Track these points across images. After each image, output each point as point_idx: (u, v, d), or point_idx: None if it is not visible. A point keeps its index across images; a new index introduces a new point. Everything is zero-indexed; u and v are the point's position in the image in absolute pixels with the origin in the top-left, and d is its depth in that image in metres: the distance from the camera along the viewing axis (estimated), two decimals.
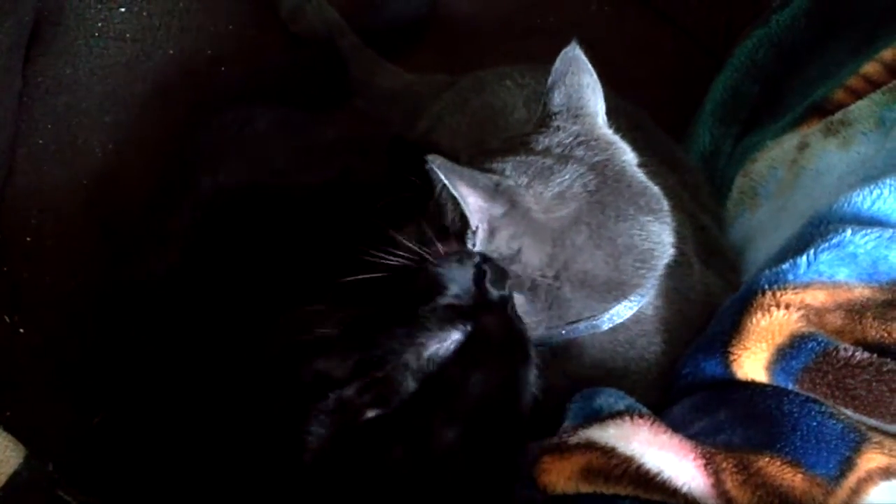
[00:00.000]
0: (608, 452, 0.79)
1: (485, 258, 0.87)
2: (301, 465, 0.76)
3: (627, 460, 0.78)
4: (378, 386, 0.76)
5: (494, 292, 0.84)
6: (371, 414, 0.75)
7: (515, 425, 0.84)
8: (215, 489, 0.94)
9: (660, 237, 0.92)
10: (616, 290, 0.90)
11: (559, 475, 0.79)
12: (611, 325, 0.92)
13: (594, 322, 0.91)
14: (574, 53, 0.96)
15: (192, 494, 0.95)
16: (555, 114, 0.95)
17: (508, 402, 0.82)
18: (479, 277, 0.84)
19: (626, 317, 0.92)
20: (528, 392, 0.84)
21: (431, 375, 0.78)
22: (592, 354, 0.94)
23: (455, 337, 0.80)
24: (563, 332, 0.92)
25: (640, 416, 0.82)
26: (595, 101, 0.96)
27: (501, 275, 0.86)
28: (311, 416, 0.75)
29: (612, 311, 0.91)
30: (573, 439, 0.82)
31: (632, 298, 0.91)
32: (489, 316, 0.83)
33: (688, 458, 0.78)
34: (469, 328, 0.80)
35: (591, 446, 0.80)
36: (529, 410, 0.84)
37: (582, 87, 0.95)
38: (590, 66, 0.97)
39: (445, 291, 0.82)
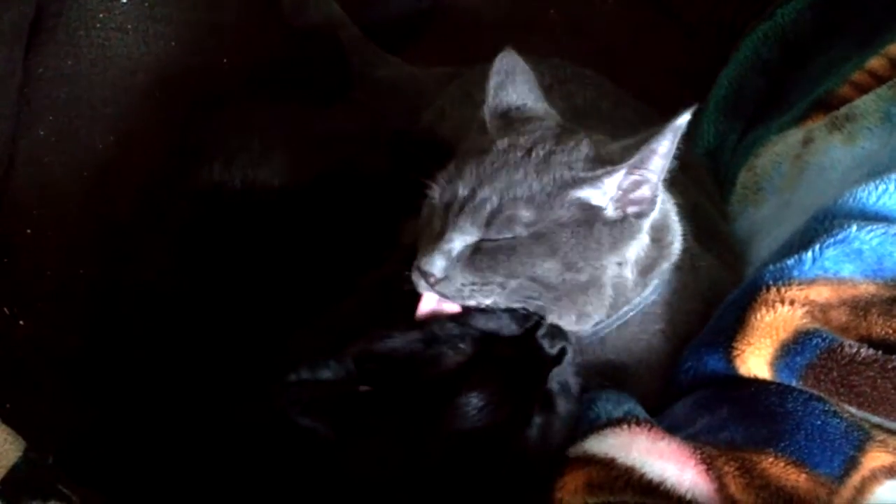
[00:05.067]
0: (608, 464, 0.78)
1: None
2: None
3: (629, 471, 0.77)
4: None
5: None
6: None
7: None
8: (213, 483, 0.94)
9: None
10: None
11: (564, 491, 0.79)
12: (653, 299, 0.93)
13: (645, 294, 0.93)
14: (510, 56, 0.97)
15: (191, 487, 0.95)
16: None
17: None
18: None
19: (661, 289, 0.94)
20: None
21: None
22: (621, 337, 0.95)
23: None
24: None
25: (638, 422, 0.82)
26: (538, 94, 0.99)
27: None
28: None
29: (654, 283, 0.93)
30: (573, 453, 0.81)
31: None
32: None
33: (689, 465, 0.78)
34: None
35: (590, 459, 0.79)
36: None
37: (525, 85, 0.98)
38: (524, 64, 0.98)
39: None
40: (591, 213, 0.87)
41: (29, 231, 1.32)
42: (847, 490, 0.75)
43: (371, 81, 1.43)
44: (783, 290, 0.85)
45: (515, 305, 0.87)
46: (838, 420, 0.79)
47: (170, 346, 1.04)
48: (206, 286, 1.06)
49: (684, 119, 0.84)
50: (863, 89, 1.14)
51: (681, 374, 0.93)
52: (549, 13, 1.60)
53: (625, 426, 0.81)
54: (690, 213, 1.04)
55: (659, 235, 0.92)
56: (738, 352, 0.85)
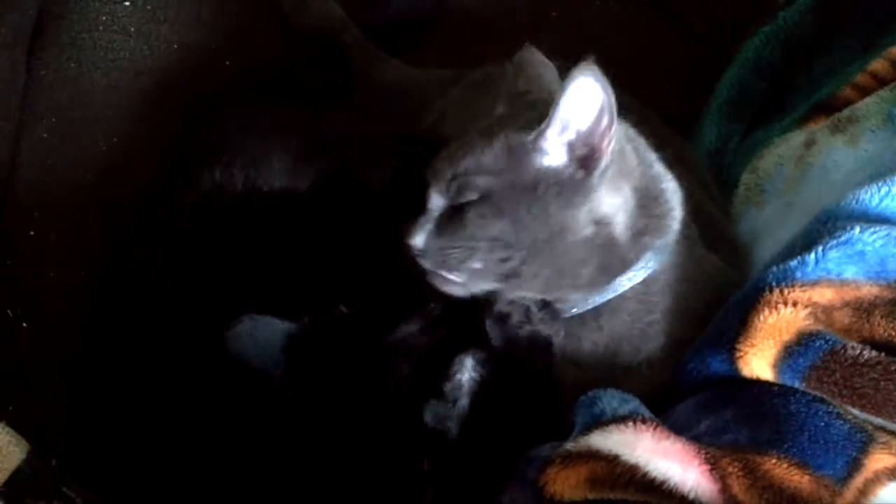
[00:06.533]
0: (612, 461, 0.78)
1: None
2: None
3: (632, 468, 0.77)
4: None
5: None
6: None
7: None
8: (219, 485, 0.94)
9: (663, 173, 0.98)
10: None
11: (564, 484, 0.79)
12: (645, 275, 0.94)
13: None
14: (530, 51, 1.06)
15: (195, 489, 0.95)
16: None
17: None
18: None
19: (654, 268, 0.94)
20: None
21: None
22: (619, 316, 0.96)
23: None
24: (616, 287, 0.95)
25: (644, 421, 0.81)
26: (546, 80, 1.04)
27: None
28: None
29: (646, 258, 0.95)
30: (575, 447, 0.81)
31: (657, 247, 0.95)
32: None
33: (693, 465, 0.78)
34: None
35: (594, 455, 0.79)
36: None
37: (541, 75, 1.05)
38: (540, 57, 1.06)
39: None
40: (536, 173, 0.91)
41: (31, 233, 1.32)
42: (850, 492, 0.75)
43: (372, 83, 1.43)
44: (786, 291, 0.85)
45: (496, 281, 0.92)
46: (841, 422, 0.79)
47: (172, 348, 1.04)
48: (207, 288, 1.06)
49: (584, 68, 0.88)
50: (865, 91, 1.14)
51: (684, 375, 0.93)
52: (550, 15, 1.60)
53: (630, 423, 0.81)
54: (694, 214, 1.05)
55: (645, 202, 0.94)
56: (742, 353, 0.85)
